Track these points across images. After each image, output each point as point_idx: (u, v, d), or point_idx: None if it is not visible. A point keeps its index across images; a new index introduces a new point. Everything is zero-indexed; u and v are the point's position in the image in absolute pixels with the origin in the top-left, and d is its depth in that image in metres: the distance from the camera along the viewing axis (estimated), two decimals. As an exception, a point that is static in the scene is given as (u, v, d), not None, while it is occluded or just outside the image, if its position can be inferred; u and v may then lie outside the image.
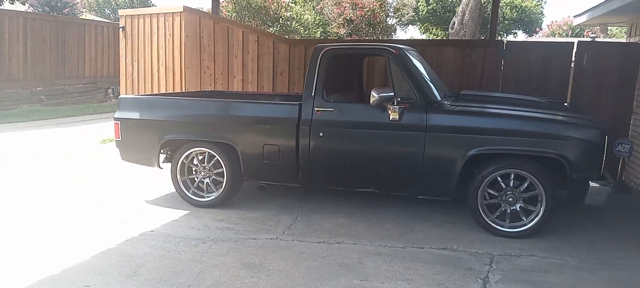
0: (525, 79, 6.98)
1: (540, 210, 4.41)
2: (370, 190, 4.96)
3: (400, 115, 4.58)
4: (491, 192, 4.52)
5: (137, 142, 5.38)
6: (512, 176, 4.44)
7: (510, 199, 4.48)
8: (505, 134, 4.37)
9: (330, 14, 22.33)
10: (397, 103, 4.56)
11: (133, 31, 9.13)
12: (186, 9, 8.08)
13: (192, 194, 5.31)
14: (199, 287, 3.42)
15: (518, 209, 4.49)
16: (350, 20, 21.59)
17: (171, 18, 8.30)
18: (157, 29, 8.61)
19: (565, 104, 5.16)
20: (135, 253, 3.99)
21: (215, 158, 5.15)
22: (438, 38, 27.24)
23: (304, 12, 27.19)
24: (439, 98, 4.79)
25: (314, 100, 4.83)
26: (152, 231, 4.53)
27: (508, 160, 4.42)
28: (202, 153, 5.22)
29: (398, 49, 4.80)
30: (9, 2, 31.41)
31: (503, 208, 4.53)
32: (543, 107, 4.93)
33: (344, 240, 4.37)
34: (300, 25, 23.63)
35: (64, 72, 15.27)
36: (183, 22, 8.07)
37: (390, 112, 4.58)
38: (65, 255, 3.92)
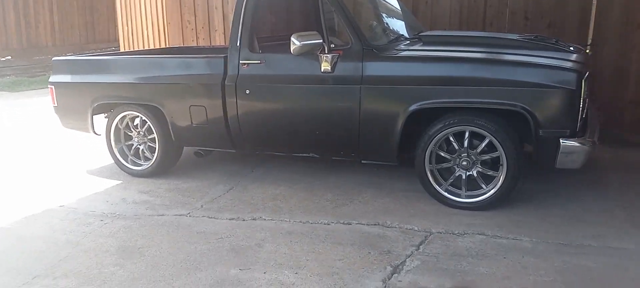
0: (536, 13, 5.86)
1: (501, 176, 3.53)
2: (309, 154, 4.24)
3: (333, 65, 3.80)
4: (443, 154, 3.69)
5: (72, 107, 4.95)
6: (467, 134, 3.57)
7: (465, 163, 3.63)
8: (452, 82, 3.49)
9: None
10: (329, 51, 3.78)
11: (125, -11, 8.74)
12: (162, -40, 7.51)
13: (130, 163, 4.85)
14: (46, 278, 2.94)
15: (475, 175, 3.64)
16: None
17: (151, -29, 7.79)
18: (142, -16, 8.14)
19: (556, 42, 4.11)
20: (21, 234, 3.59)
21: (148, 124, 4.64)
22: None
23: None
24: (383, 42, 3.96)
25: (239, 52, 4.14)
26: (62, 206, 4.11)
27: (459, 114, 3.55)
28: (135, 117, 4.73)
29: (332, -17, 3.96)
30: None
31: (457, 174, 3.69)
32: (517, 46, 3.93)
33: (261, 216, 3.74)
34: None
35: (94, 37, 15.37)
36: (160, -25, 7.53)
37: (321, 61, 3.82)
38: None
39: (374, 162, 4.05)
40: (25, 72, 12.99)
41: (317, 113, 3.94)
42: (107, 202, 4.17)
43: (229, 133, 4.31)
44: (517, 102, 3.35)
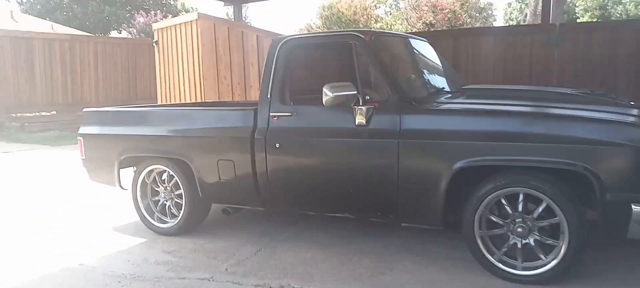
0: (587, 70, 5.49)
1: (562, 246, 3.09)
2: (343, 215, 3.90)
3: (368, 118, 3.51)
4: (494, 219, 3.29)
5: (99, 159, 4.82)
6: (521, 197, 3.17)
7: (520, 229, 3.21)
8: (502, 138, 3.13)
9: (409, 19, 21.10)
10: (364, 102, 3.52)
11: (164, 45, 8.86)
12: (201, 16, 7.57)
13: (156, 221, 4.61)
14: (48, 348, 2.66)
15: (532, 243, 3.21)
16: (431, 24, 20.21)
17: (189, 27, 7.85)
18: (180, 40, 8.22)
19: (614, 97, 3.74)
20: (30, 295, 3.35)
21: (175, 178, 4.43)
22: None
23: (394, 22, 26.20)
24: (422, 94, 3.67)
25: (270, 104, 3.93)
26: (82, 265, 3.88)
27: (511, 174, 3.17)
28: (163, 172, 4.53)
29: (369, 34, 3.74)
30: (117, 32, 34.04)
31: (512, 242, 3.26)
32: (574, 101, 3.57)
33: (290, 283, 3.39)
34: (391, 35, 22.63)
35: (136, 93, 15.67)
36: (199, 31, 7.56)
37: (356, 114, 3.54)
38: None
39: (416, 226, 3.68)
40: (69, 126, 13.24)
41: (351, 169, 3.64)
42: (128, 261, 3.91)
43: (257, 189, 4.04)
44: (577, 161, 2.96)
